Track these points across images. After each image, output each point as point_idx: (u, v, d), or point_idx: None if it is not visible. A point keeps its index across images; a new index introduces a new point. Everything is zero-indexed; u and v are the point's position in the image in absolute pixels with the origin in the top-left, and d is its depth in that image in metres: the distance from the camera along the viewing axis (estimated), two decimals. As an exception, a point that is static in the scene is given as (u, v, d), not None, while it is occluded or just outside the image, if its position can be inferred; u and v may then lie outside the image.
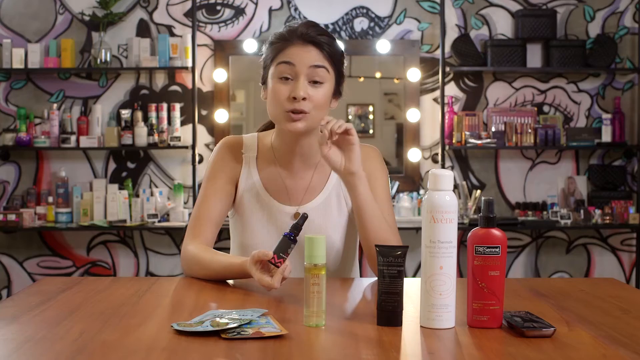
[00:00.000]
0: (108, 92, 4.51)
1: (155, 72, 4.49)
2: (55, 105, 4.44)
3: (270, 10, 4.50)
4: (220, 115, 4.48)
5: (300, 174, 1.88)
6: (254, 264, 1.57)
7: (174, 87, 4.52)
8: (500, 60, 4.39)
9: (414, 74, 4.49)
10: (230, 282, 1.76)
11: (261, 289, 1.66)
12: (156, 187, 4.51)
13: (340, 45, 1.86)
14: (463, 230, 4.26)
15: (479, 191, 4.44)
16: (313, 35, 1.76)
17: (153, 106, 4.40)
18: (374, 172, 1.88)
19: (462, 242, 4.35)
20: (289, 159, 1.87)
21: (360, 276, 2.06)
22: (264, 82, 1.84)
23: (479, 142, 4.39)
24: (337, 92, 1.84)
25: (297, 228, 1.57)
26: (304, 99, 1.74)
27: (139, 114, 4.40)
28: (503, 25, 4.54)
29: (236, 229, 1.94)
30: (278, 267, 1.53)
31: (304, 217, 1.57)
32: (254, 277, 1.57)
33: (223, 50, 4.48)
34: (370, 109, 4.66)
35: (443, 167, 4.41)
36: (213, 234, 1.87)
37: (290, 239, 1.55)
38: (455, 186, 4.43)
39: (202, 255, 1.77)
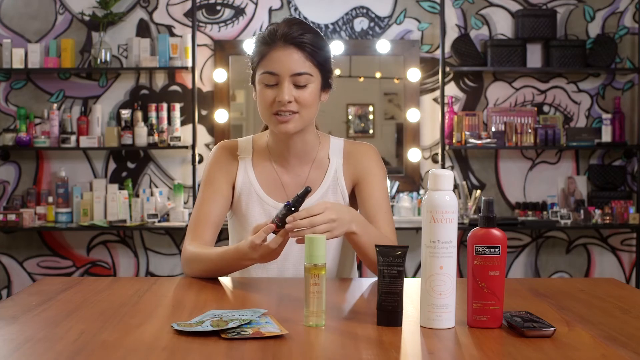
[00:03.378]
0: (108, 92, 4.51)
1: (155, 72, 4.49)
2: (55, 105, 4.44)
3: (270, 10, 4.50)
4: (220, 115, 4.48)
5: (296, 170, 1.89)
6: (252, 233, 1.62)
7: (174, 87, 4.52)
8: (500, 60, 4.39)
9: (414, 74, 4.49)
10: (230, 283, 1.76)
11: (261, 289, 1.66)
12: (156, 187, 4.51)
13: (328, 44, 1.85)
14: (463, 230, 4.26)
15: (479, 191, 4.44)
16: (294, 35, 1.75)
17: (153, 106, 4.40)
18: (371, 170, 1.89)
19: (462, 242, 4.35)
20: (285, 156, 1.88)
21: (360, 276, 2.06)
22: (253, 83, 1.85)
23: (479, 142, 4.39)
24: (326, 86, 1.85)
25: (297, 201, 1.58)
26: (289, 102, 1.75)
27: (139, 114, 4.40)
28: (503, 25, 4.54)
29: (234, 229, 1.94)
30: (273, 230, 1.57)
31: (307, 190, 1.58)
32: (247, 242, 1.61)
33: (223, 50, 4.48)
34: (370, 109, 4.66)
35: (443, 167, 4.41)
36: (212, 235, 1.87)
37: (288, 208, 1.58)
38: (455, 186, 4.43)
39: (200, 250, 1.79)
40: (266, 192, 1.88)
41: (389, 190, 1.95)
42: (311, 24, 1.85)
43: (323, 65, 1.81)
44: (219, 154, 1.92)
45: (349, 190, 1.90)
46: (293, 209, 1.57)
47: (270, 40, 1.77)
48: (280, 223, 1.57)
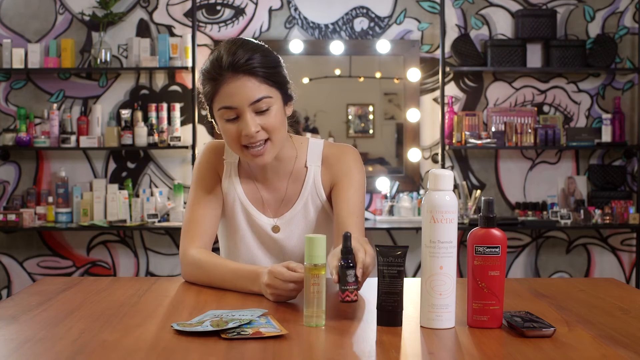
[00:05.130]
0: (108, 92, 4.51)
1: (155, 72, 4.49)
2: (55, 105, 4.44)
3: (270, 10, 4.50)
4: (220, 115, 4.47)
5: (275, 185, 1.86)
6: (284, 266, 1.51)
7: (174, 87, 4.52)
8: (500, 60, 4.39)
9: (414, 74, 4.49)
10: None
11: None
12: (156, 187, 4.51)
13: (277, 56, 1.73)
14: (463, 230, 4.26)
15: (479, 191, 4.44)
16: (242, 62, 1.65)
17: (153, 106, 4.40)
18: (348, 173, 1.83)
19: (462, 242, 4.35)
20: (263, 172, 1.85)
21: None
22: (213, 118, 1.76)
23: (479, 142, 4.39)
24: (288, 99, 1.76)
25: (345, 252, 1.39)
26: (257, 132, 1.68)
27: (139, 114, 4.40)
28: (503, 25, 4.54)
29: (221, 233, 1.93)
30: (348, 301, 1.37)
31: (347, 236, 1.40)
32: (275, 274, 1.51)
33: (223, 50, 4.47)
34: (370, 109, 4.65)
35: (443, 167, 4.41)
36: (211, 236, 1.83)
37: (343, 266, 1.38)
38: (455, 186, 4.42)
39: (207, 259, 1.73)
40: (250, 201, 1.85)
41: (365, 196, 1.88)
42: (252, 39, 1.75)
43: (279, 82, 1.71)
44: (208, 155, 1.88)
45: (327, 194, 1.86)
46: (351, 263, 1.38)
47: (217, 75, 1.66)
48: (345, 287, 1.37)
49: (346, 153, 1.86)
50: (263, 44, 1.74)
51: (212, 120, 1.77)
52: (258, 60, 1.66)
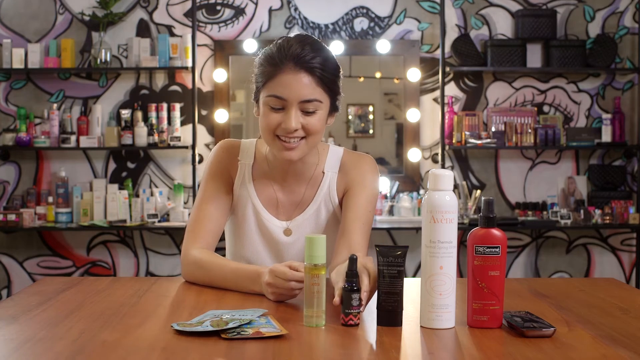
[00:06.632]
0: (108, 92, 4.51)
1: (155, 72, 4.49)
2: (55, 105, 4.44)
3: (270, 10, 4.50)
4: (220, 115, 4.48)
5: (292, 188, 1.86)
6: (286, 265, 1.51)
7: (174, 87, 4.52)
8: (500, 60, 4.39)
9: (414, 74, 4.49)
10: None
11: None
12: (156, 187, 4.51)
13: (338, 65, 1.74)
14: (463, 230, 4.26)
15: (479, 191, 4.44)
16: (307, 58, 1.66)
17: (153, 106, 4.40)
18: (362, 181, 1.84)
19: (462, 242, 4.35)
20: (283, 174, 1.84)
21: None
22: (256, 100, 1.77)
23: (479, 142, 4.39)
24: (334, 109, 1.78)
25: (350, 275, 1.37)
26: (296, 130, 1.69)
27: (139, 114, 4.40)
28: (503, 25, 4.54)
29: (228, 233, 1.93)
30: (351, 324, 1.36)
31: (352, 259, 1.38)
32: (277, 273, 1.51)
33: (223, 50, 4.48)
34: (370, 109, 4.66)
35: (443, 167, 4.41)
36: (214, 237, 1.82)
37: (348, 290, 1.37)
38: (455, 186, 4.42)
39: (208, 258, 1.73)
40: (263, 203, 1.85)
41: (375, 206, 1.89)
42: (323, 43, 1.75)
43: (332, 89, 1.73)
44: (221, 153, 1.87)
45: (340, 200, 1.87)
46: (355, 287, 1.37)
47: (279, 61, 1.67)
48: (349, 311, 1.36)
49: (363, 162, 1.87)
50: (330, 50, 1.75)
51: (255, 102, 1.77)
52: (321, 62, 1.69)
